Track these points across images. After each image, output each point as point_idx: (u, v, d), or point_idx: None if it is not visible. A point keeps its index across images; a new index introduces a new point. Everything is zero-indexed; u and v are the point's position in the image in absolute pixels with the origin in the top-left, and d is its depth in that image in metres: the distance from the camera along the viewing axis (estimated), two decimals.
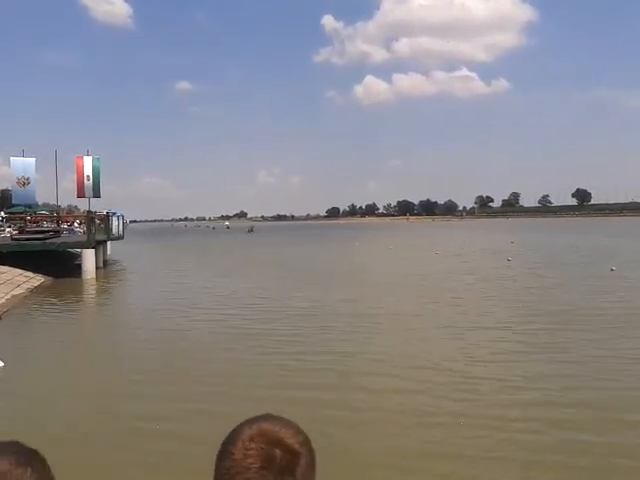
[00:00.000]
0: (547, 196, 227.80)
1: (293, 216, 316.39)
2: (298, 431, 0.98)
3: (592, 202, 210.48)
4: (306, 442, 0.97)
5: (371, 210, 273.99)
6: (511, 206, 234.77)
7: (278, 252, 41.50)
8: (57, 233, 29.83)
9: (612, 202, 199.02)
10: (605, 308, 14.45)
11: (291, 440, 0.95)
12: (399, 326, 12.68)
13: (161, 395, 7.97)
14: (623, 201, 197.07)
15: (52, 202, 48.41)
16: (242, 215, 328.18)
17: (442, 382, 8.30)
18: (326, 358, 9.81)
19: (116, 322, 15.48)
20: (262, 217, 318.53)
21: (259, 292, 19.09)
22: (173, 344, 11.34)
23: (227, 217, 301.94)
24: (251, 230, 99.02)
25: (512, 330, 12.04)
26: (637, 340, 10.77)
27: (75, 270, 25.75)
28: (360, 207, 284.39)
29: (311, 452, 0.97)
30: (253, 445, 0.93)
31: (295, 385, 8.24)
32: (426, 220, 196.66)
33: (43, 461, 0.92)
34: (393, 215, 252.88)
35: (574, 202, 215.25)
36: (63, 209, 54.24)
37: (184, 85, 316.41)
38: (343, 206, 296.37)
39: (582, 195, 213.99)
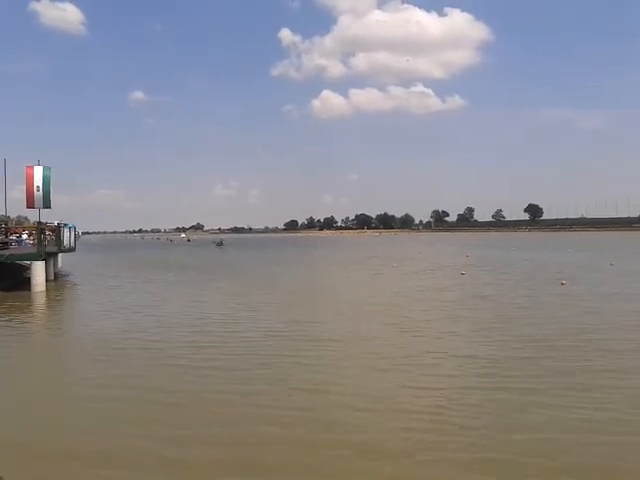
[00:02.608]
0: (500, 211, 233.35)
1: (251, 228, 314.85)
2: None
3: (543, 217, 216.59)
4: None
5: (329, 223, 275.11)
6: (466, 220, 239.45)
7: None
8: (5, 245, 28.92)
9: (562, 217, 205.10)
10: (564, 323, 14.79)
11: None
12: (358, 353, 11.79)
13: (107, 433, 7.29)
14: (573, 217, 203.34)
15: (0, 212, 46.98)
16: (198, 227, 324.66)
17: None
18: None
19: (67, 339, 14.87)
20: (219, 229, 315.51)
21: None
22: (125, 369, 10.71)
23: (183, 229, 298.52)
24: (221, 243, 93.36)
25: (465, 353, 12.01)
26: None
27: (24, 283, 24.92)
28: (318, 220, 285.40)
29: None
30: None
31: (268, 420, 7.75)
32: (374, 234, 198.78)
33: None
34: (351, 228, 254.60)
35: (526, 217, 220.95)
36: (12, 220, 52.62)
37: (139, 95, 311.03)
38: (301, 219, 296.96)
39: (534, 210, 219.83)
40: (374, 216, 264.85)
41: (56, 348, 13.74)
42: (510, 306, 17.99)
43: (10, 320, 17.14)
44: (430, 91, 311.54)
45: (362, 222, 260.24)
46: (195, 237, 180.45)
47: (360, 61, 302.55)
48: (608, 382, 9.10)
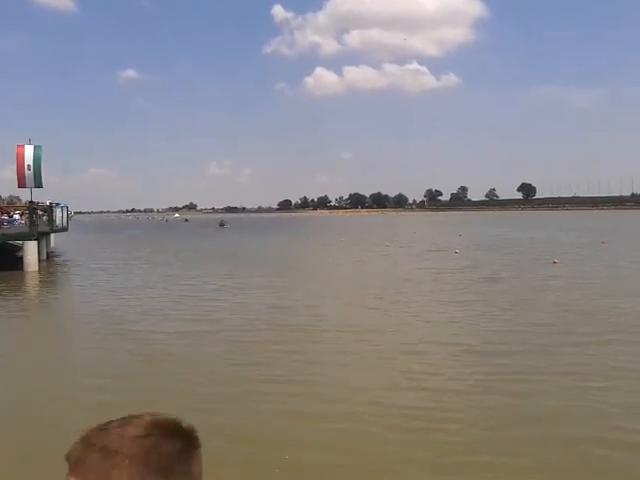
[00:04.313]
0: (494, 190, 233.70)
1: (244, 208, 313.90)
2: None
3: (536, 196, 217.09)
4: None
5: (323, 203, 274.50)
6: (459, 200, 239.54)
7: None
8: None
9: (555, 196, 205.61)
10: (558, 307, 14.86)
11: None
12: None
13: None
14: (566, 195, 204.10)
15: None
16: (192, 207, 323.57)
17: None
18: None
19: (60, 321, 14.89)
20: (212, 209, 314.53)
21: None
22: (118, 350, 10.66)
23: (176, 209, 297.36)
24: (223, 224, 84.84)
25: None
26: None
27: (16, 263, 24.79)
28: (312, 200, 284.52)
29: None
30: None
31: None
32: (364, 213, 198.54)
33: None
34: (345, 208, 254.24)
35: (519, 196, 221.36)
36: (4, 200, 52.32)
37: (130, 73, 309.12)
38: (295, 198, 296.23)
39: (527, 189, 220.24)
40: (368, 195, 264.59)
41: (47, 329, 13.74)
42: (505, 289, 18.10)
43: (1, 300, 17.10)
44: (425, 69, 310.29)
45: (356, 202, 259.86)
46: (189, 216, 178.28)
47: (354, 38, 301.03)
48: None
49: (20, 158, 29.89)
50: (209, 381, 8.58)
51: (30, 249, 24.27)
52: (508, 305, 14.50)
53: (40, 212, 29.19)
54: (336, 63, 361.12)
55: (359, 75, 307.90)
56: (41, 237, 27.28)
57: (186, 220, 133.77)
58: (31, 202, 29.19)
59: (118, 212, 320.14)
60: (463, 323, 12.51)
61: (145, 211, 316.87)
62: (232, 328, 12.16)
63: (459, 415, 7.04)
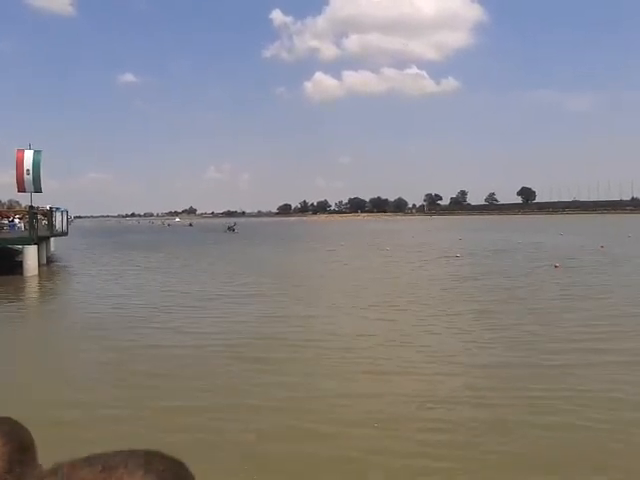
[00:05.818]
0: (493, 194, 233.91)
1: (244, 212, 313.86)
2: None
3: (536, 200, 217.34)
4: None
5: (322, 207, 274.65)
6: (459, 204, 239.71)
7: None
8: None
9: (555, 200, 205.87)
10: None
11: None
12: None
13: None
14: (566, 199, 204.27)
15: None
16: (191, 211, 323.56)
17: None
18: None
19: (59, 326, 14.70)
20: (212, 213, 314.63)
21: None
22: (118, 359, 10.38)
23: (176, 213, 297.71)
24: (232, 229, 78.27)
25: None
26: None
27: (16, 268, 24.74)
28: (312, 204, 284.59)
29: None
30: None
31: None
32: (357, 217, 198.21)
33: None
34: (344, 212, 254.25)
35: (519, 200, 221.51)
36: (3, 204, 52.31)
37: (129, 77, 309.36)
38: (294, 203, 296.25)
39: (527, 193, 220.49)
40: (368, 200, 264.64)
41: (46, 335, 13.57)
42: (508, 294, 18.01)
43: (6, 304, 17.02)
44: (424, 73, 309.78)
45: (355, 206, 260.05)
46: (192, 221, 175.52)
47: (353, 42, 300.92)
48: None
49: (20, 163, 29.88)
50: (194, 395, 8.16)
51: (30, 254, 24.23)
52: (510, 311, 14.31)
53: (40, 216, 29.20)
54: (335, 68, 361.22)
55: (358, 80, 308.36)
56: (41, 242, 27.24)
57: (190, 225, 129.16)
58: (31, 207, 29.19)
59: (118, 216, 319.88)
60: (467, 334, 11.93)
61: (145, 215, 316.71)
62: (237, 340, 12.12)
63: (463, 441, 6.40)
